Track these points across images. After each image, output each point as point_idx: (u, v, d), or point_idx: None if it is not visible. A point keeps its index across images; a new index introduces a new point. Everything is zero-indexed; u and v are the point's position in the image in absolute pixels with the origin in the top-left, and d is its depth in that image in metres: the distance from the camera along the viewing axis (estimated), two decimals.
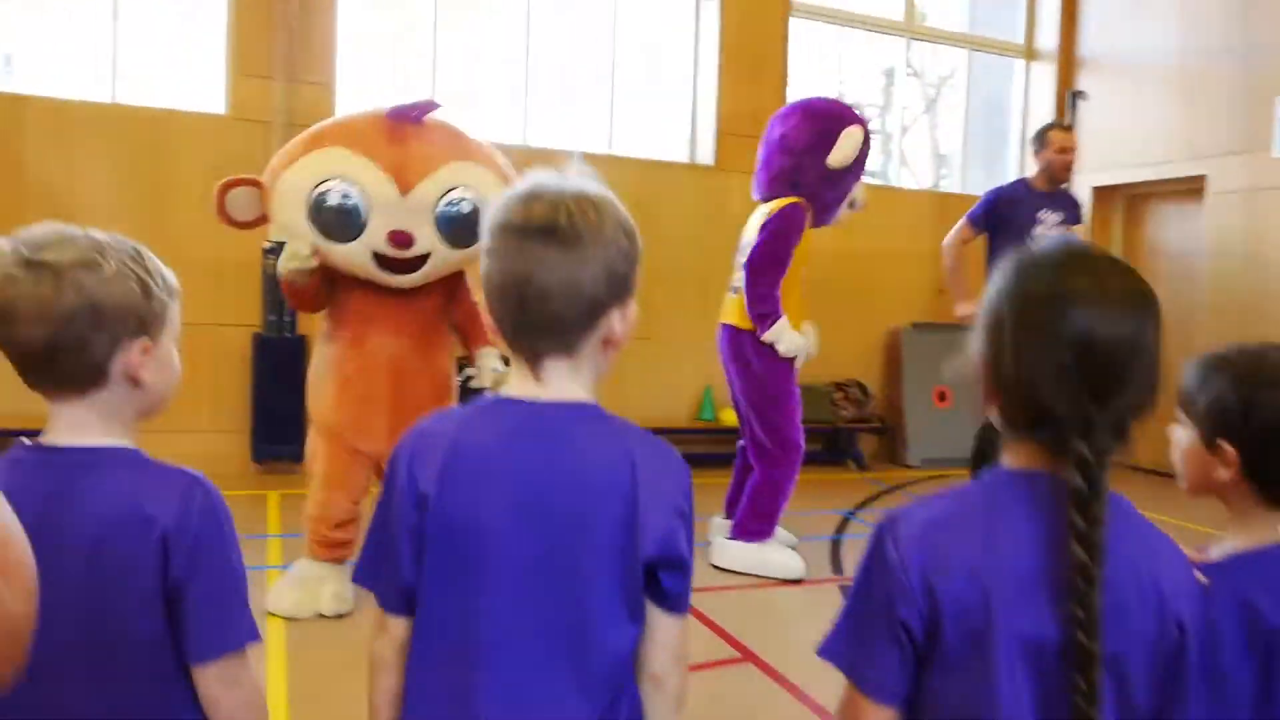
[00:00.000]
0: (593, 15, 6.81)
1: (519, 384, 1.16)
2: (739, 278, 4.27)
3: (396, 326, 3.46)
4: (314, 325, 5.80)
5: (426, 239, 3.30)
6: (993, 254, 4.76)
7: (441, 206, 3.30)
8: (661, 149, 7.11)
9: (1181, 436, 1.33)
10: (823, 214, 4.36)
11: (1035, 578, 1.00)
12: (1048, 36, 8.04)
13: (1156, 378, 1.02)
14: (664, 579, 1.13)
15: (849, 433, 7.07)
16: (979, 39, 8.23)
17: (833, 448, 7.11)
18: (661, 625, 1.15)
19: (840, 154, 4.20)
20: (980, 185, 8.24)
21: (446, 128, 3.50)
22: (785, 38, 7.05)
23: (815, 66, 7.74)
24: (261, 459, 5.72)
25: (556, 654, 1.09)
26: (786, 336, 4.11)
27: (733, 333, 4.27)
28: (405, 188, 3.26)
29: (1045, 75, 8.08)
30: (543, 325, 1.11)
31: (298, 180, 3.27)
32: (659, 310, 6.69)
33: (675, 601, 1.15)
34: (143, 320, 1.13)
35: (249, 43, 5.68)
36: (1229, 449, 1.26)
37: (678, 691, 1.17)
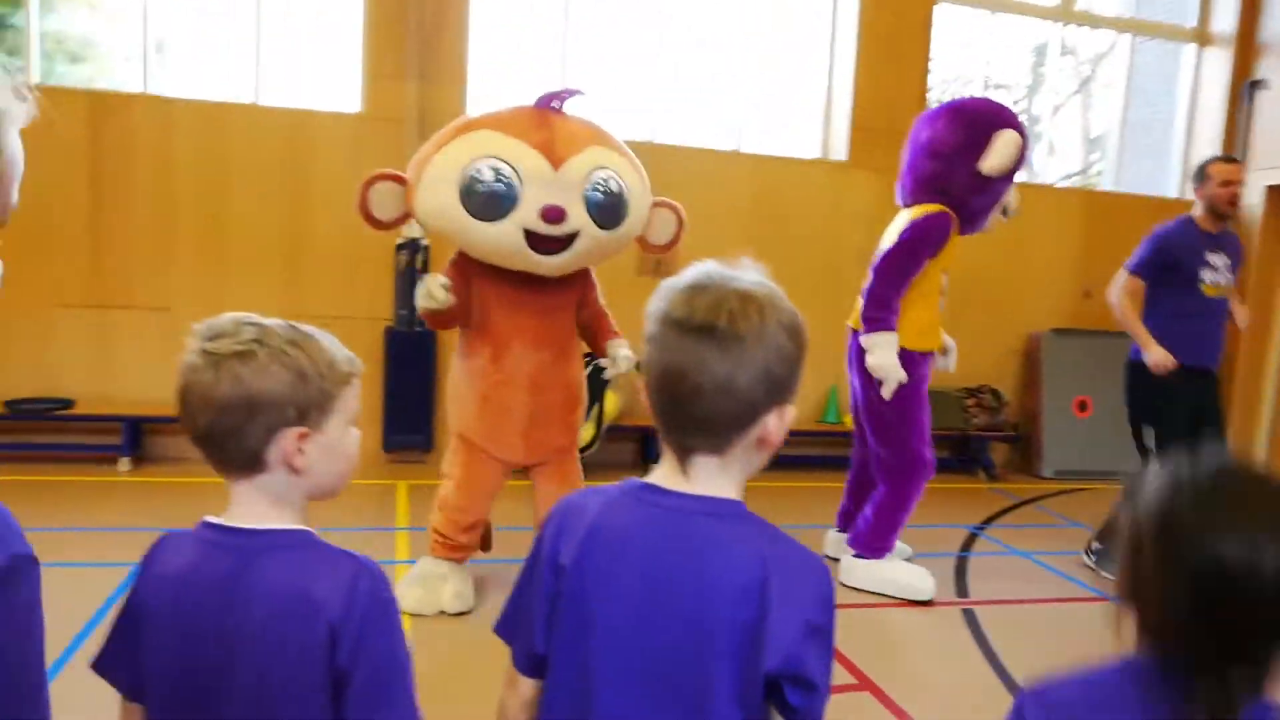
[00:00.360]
0: (727, 9, 6.70)
1: (667, 475, 1.14)
2: (867, 279, 4.10)
3: (535, 342, 3.53)
4: None
5: (577, 215, 3.30)
6: (1156, 302, 4.39)
7: (590, 185, 3.32)
8: (793, 146, 6.96)
9: None
10: (971, 221, 4.11)
11: None
12: (1225, 19, 7.47)
13: None
14: (789, 694, 1.06)
15: (980, 441, 6.80)
16: (1143, 23, 7.73)
17: (962, 455, 6.86)
18: None
19: (995, 159, 3.92)
20: (1136, 182, 7.79)
21: (585, 119, 3.53)
22: (929, 25, 6.77)
23: (959, 54, 7.44)
24: (391, 449, 5.89)
25: None
26: (882, 352, 3.89)
27: (859, 339, 4.11)
28: (557, 163, 3.27)
29: (1219, 62, 7.52)
30: (695, 423, 1.09)
31: (449, 163, 3.29)
32: None
33: (801, 717, 1.08)
34: (300, 409, 1.14)
35: (383, 44, 5.81)
36: None
37: None
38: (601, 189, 3.33)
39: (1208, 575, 0.92)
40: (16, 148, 0.77)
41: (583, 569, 1.11)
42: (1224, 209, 4.33)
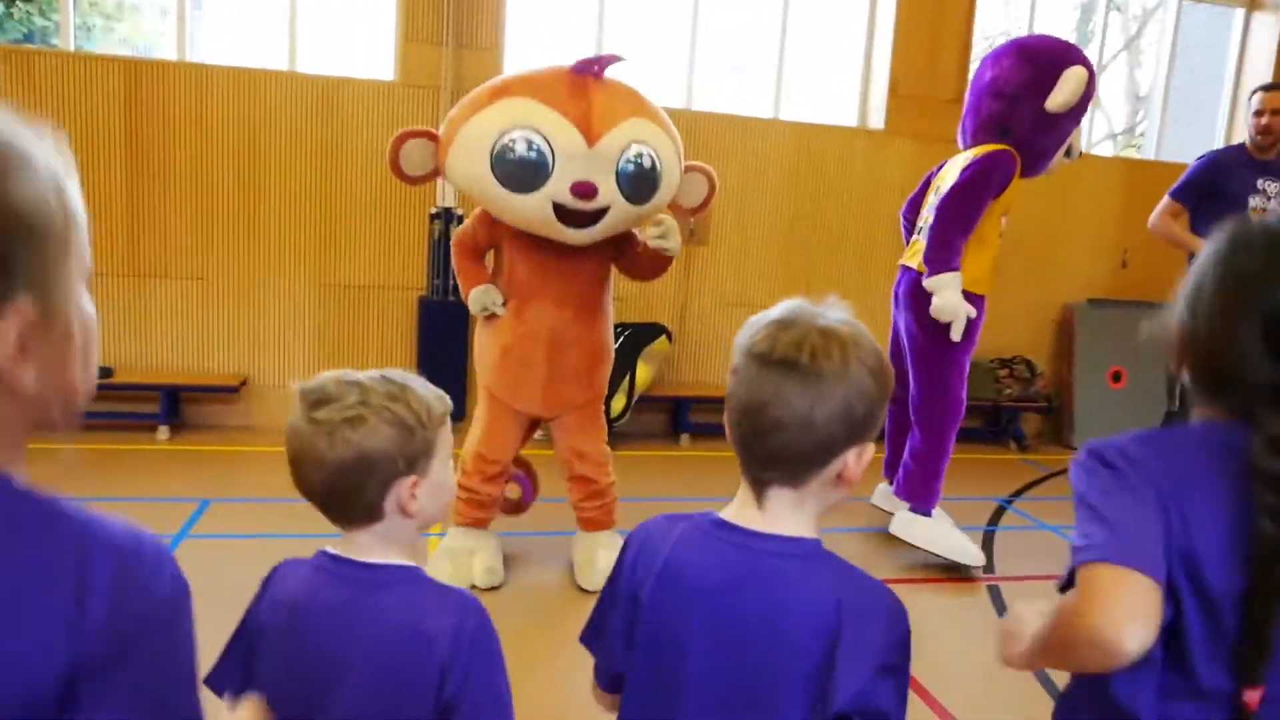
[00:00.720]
0: None
1: (741, 510, 1.15)
2: (928, 219, 3.99)
3: (557, 299, 3.52)
4: None
5: (609, 192, 3.27)
6: (1200, 230, 4.33)
7: (624, 160, 3.27)
8: (831, 113, 6.87)
9: None
10: (1035, 163, 4.00)
11: (1230, 513, 1.04)
12: None
13: None
14: None
15: (1011, 411, 6.77)
16: None
17: (994, 426, 6.84)
18: None
19: (1061, 96, 3.81)
20: (1179, 151, 7.65)
21: (624, 85, 3.46)
22: None
23: (1003, 10, 7.28)
24: None
25: None
26: (948, 293, 3.78)
27: (916, 278, 3.99)
28: (592, 139, 3.23)
29: (1269, 28, 7.34)
30: (772, 456, 1.10)
31: (482, 129, 3.24)
32: (821, 276, 6.54)
33: None
34: (409, 460, 1.20)
35: (417, 9, 5.75)
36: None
37: None
38: (634, 164, 3.28)
39: (1268, 314, 1.05)
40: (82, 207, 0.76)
41: (658, 606, 1.14)
42: (1253, 136, 4.33)
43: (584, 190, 3.20)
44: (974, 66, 6.63)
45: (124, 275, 5.58)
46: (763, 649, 1.08)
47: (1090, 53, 7.46)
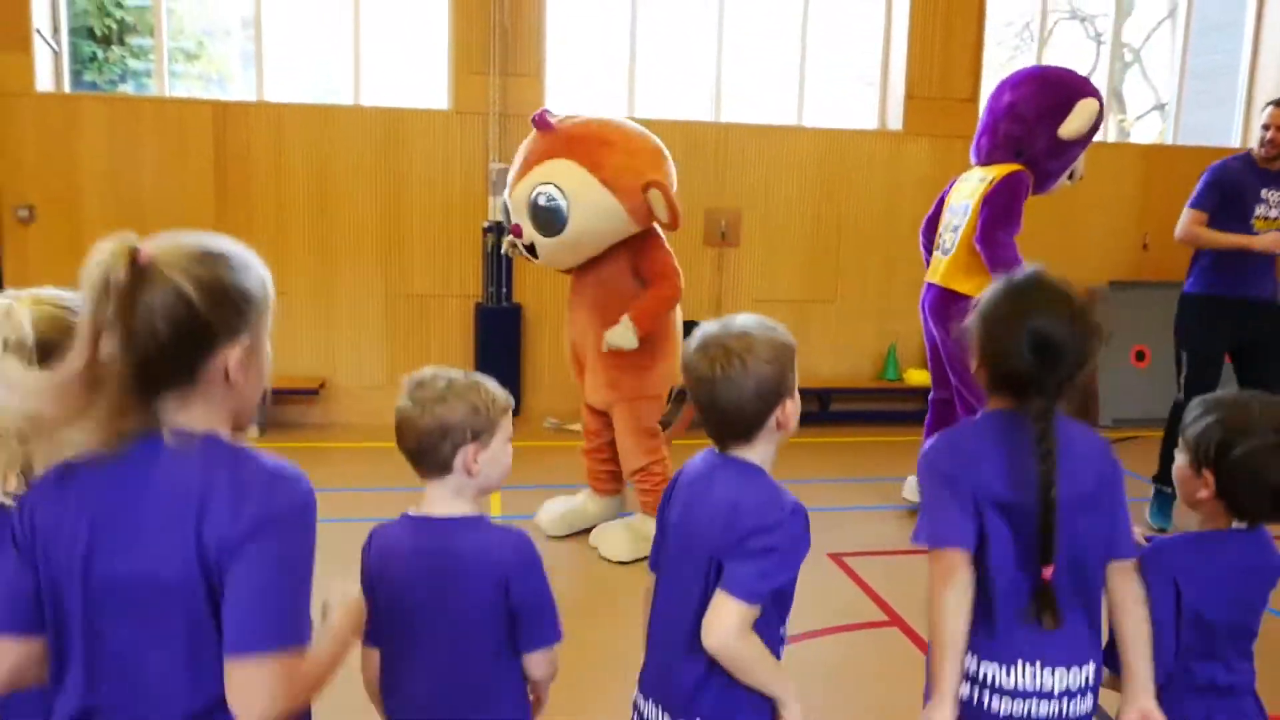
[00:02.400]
0: None
1: (718, 452, 1.72)
2: (949, 239, 4.39)
3: (579, 303, 4.25)
4: (527, 296, 6.52)
5: (529, 230, 4.03)
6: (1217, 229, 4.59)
7: (530, 201, 3.98)
8: (851, 117, 7.29)
9: (1179, 459, 1.79)
10: (1044, 182, 4.43)
11: (1007, 465, 1.65)
12: None
13: (1083, 359, 1.63)
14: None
15: None
16: None
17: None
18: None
19: (1073, 125, 4.24)
20: (1197, 131, 7.88)
21: (577, 125, 4.07)
22: None
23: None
24: None
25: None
26: None
27: (940, 293, 4.41)
28: (513, 187, 4.10)
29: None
30: (722, 427, 1.68)
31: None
32: (845, 273, 6.98)
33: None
34: (475, 431, 1.67)
35: (467, 43, 6.34)
36: (1209, 475, 1.70)
37: None
38: (533, 204, 3.98)
39: (1034, 337, 1.60)
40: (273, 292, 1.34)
41: (671, 504, 1.75)
42: (1261, 146, 4.52)
43: (514, 231, 4.07)
44: (987, 66, 7.02)
45: None
46: (717, 528, 1.63)
47: (1132, 25, 7.62)
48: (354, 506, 4.05)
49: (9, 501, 1.32)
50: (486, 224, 6.37)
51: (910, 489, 4.90)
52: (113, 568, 1.19)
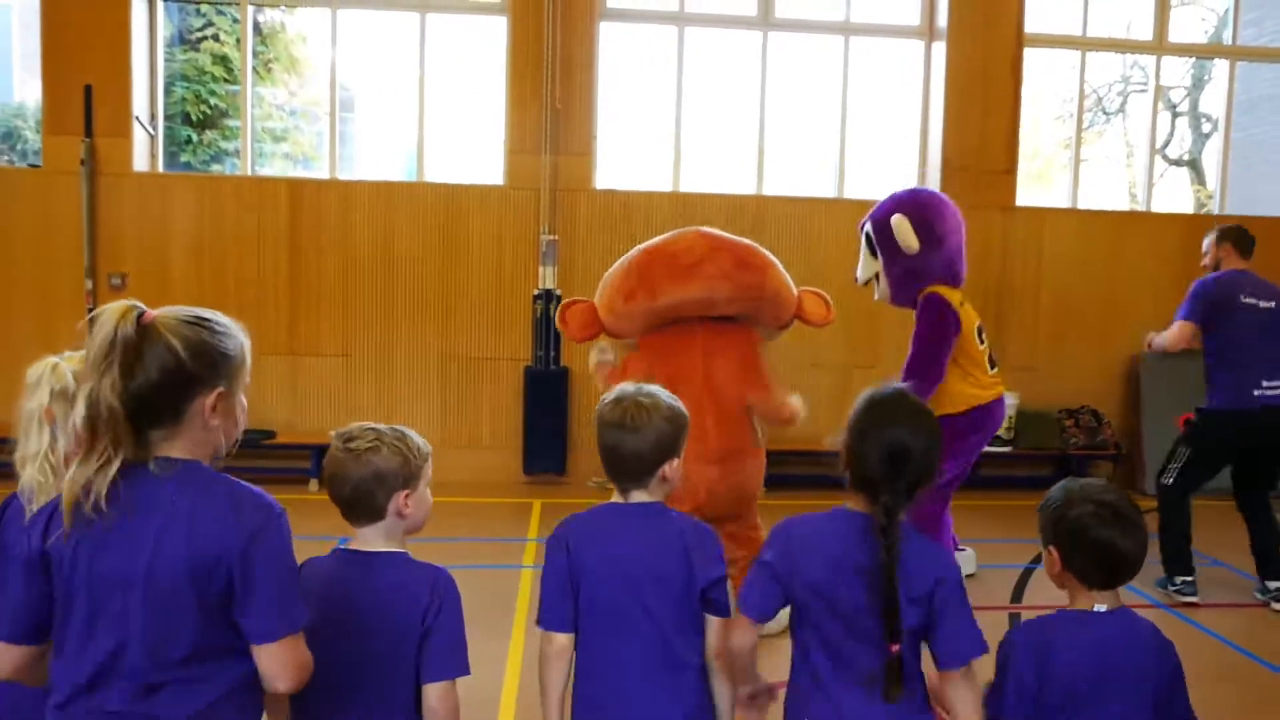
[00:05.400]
0: (824, 67, 7.37)
1: (619, 499, 2.01)
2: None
3: None
4: (575, 359, 6.85)
5: None
6: (1213, 343, 4.78)
7: None
8: (890, 188, 7.52)
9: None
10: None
11: (852, 566, 1.79)
12: None
13: (932, 465, 1.80)
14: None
15: (1080, 459, 7.14)
16: (1241, 49, 7.90)
17: (1063, 474, 7.19)
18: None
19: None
20: (1244, 203, 7.92)
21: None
22: (1019, 65, 7.17)
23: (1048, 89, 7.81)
24: (530, 472, 6.83)
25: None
26: None
27: None
28: None
29: None
30: (625, 473, 1.97)
31: None
32: (884, 339, 7.15)
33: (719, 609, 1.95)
34: (405, 479, 1.83)
35: (522, 124, 6.81)
36: (1054, 551, 1.86)
37: None
38: None
39: (889, 446, 1.77)
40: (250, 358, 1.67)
41: (580, 552, 1.97)
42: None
43: None
44: (1023, 137, 7.22)
45: (284, 354, 6.76)
46: (643, 565, 1.92)
47: (1139, 129, 7.79)
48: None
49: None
50: (537, 292, 6.75)
51: None
52: (111, 569, 1.48)
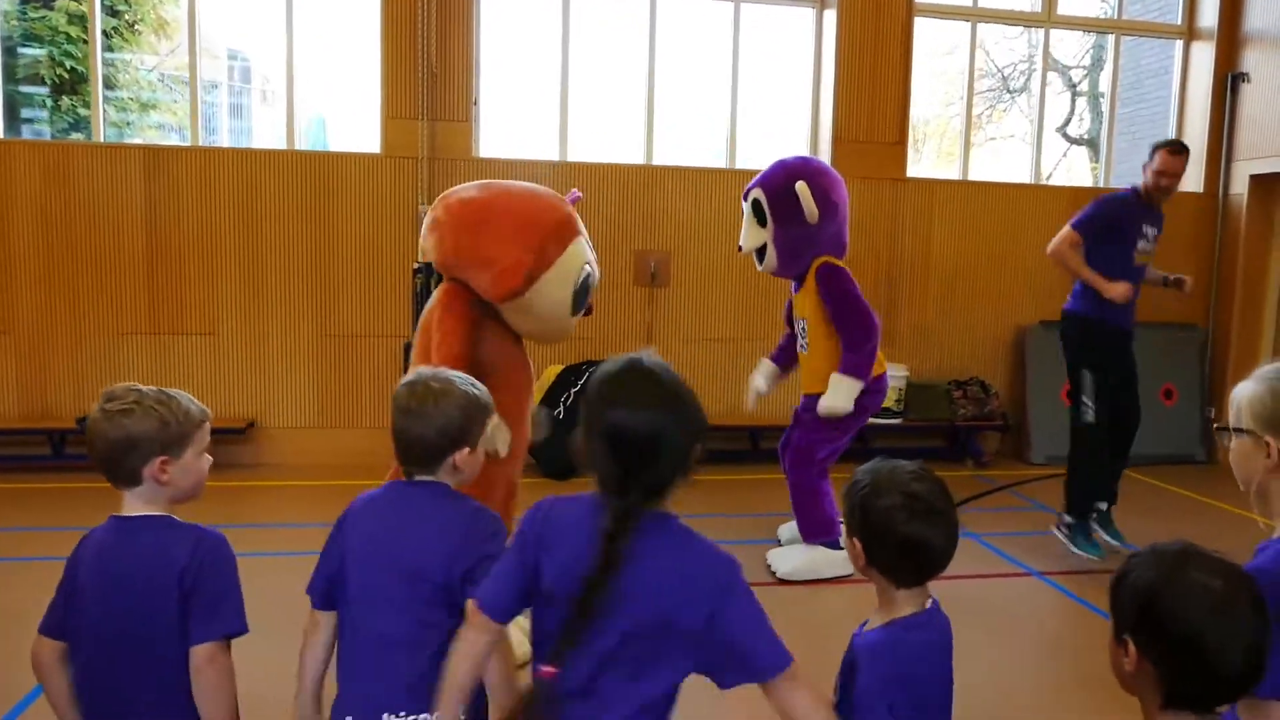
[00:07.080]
0: (714, 35, 7.20)
1: (402, 479, 1.94)
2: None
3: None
4: None
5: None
6: (1096, 259, 4.77)
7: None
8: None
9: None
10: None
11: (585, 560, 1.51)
12: (1209, 14, 7.68)
13: (678, 455, 1.52)
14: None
15: (968, 430, 7.18)
16: (1128, 23, 7.98)
17: (952, 445, 7.25)
18: None
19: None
20: (1131, 176, 8.01)
21: None
22: (908, 37, 7.10)
23: (937, 64, 7.79)
24: None
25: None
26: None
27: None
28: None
29: (1205, 56, 7.74)
30: (413, 457, 1.89)
31: (573, 264, 3.54)
32: (775, 307, 7.06)
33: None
34: (163, 444, 1.76)
35: (398, 89, 6.48)
36: (857, 542, 1.64)
37: None
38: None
39: (610, 432, 1.51)
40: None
41: (348, 527, 1.92)
42: (1154, 194, 4.78)
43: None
44: (913, 109, 7.18)
45: (146, 333, 6.35)
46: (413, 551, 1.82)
47: (1030, 104, 7.81)
48: (278, 541, 4.12)
49: None
50: (416, 265, 6.45)
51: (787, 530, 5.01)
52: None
